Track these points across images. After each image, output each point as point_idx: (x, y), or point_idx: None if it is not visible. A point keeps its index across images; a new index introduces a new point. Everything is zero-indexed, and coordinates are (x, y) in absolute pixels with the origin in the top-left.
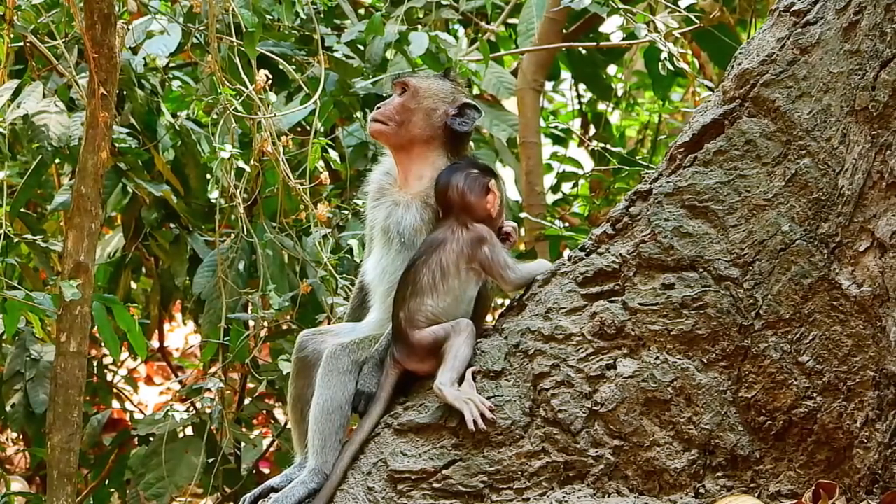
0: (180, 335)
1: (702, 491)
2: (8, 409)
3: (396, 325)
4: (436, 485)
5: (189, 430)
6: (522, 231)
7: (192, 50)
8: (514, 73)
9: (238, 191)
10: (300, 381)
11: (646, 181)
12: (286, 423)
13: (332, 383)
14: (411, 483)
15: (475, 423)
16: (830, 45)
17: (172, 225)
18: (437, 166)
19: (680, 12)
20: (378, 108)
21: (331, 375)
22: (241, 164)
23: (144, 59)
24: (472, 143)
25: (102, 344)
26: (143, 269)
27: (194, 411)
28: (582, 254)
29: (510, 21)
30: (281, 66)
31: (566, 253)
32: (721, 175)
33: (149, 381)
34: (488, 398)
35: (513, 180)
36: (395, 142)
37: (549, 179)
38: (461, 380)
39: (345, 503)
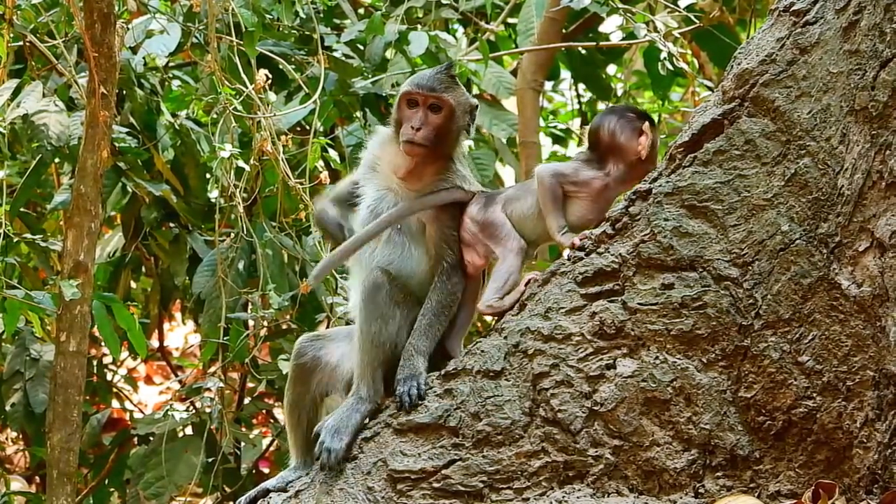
0: (180, 335)
1: (701, 491)
2: (8, 408)
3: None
4: (435, 484)
5: (189, 430)
6: None
7: (191, 49)
8: (514, 72)
9: (238, 190)
10: (299, 387)
11: (645, 181)
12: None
13: (377, 315)
14: (411, 483)
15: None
16: (830, 45)
17: (172, 224)
18: (440, 173)
19: (679, 12)
20: (414, 127)
21: (375, 307)
22: (240, 163)
23: (144, 58)
24: (471, 143)
25: (102, 343)
26: (143, 269)
27: (194, 411)
28: (581, 253)
29: (510, 21)
30: (281, 66)
31: (566, 253)
32: (720, 175)
33: (148, 380)
34: (488, 398)
35: (513, 180)
36: (425, 157)
37: None
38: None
39: (344, 503)
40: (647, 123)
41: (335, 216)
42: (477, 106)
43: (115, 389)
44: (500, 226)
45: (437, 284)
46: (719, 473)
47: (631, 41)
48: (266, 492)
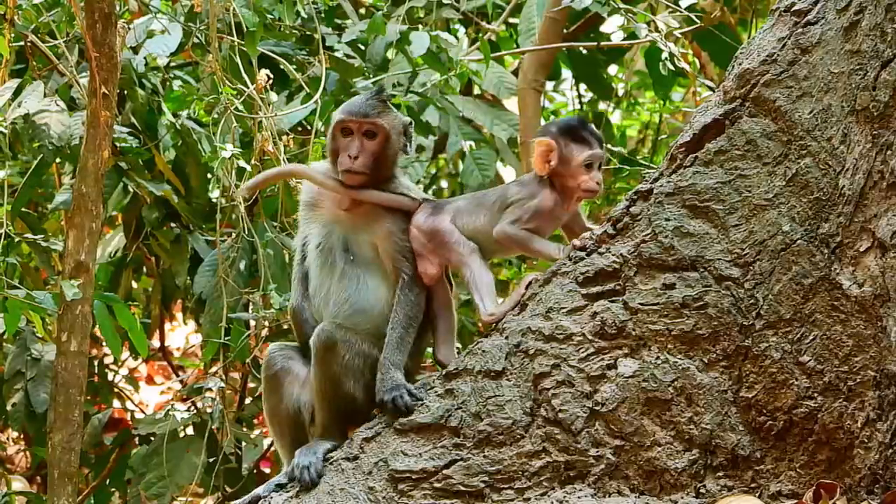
0: (181, 335)
1: (702, 491)
2: (9, 408)
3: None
4: (437, 484)
5: (190, 430)
6: None
7: (192, 49)
8: (515, 72)
9: (239, 190)
10: (274, 397)
11: (646, 181)
12: None
13: (330, 376)
14: (412, 483)
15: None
16: (831, 44)
17: (173, 224)
18: (384, 189)
19: (681, 12)
20: (351, 156)
21: (327, 368)
22: (241, 163)
23: (145, 58)
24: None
25: (103, 343)
26: (144, 269)
27: (195, 411)
28: (583, 253)
29: (511, 21)
30: (282, 66)
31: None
32: (722, 175)
33: (150, 380)
34: (489, 398)
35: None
36: (366, 184)
37: None
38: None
39: (346, 503)
40: (547, 137)
41: (310, 318)
42: (411, 123)
43: (116, 389)
44: (448, 233)
45: (400, 297)
46: (720, 473)
47: (632, 41)
48: (258, 498)
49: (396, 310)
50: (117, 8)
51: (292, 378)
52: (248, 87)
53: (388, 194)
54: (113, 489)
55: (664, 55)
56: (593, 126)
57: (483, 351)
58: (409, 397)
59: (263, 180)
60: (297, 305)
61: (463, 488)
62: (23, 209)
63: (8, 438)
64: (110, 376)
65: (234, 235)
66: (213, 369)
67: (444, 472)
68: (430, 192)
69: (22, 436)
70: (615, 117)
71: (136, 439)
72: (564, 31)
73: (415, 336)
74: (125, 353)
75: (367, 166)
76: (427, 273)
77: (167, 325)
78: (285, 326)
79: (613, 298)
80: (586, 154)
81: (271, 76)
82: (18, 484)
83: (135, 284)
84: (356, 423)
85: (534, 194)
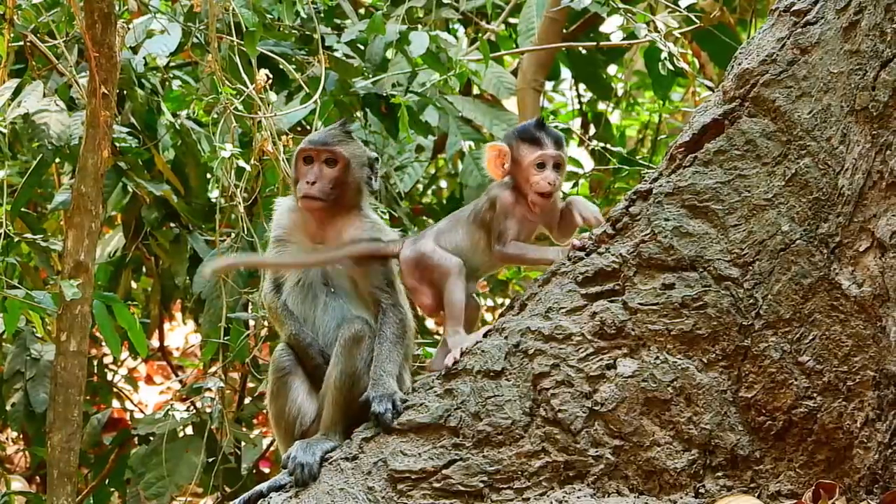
0: (180, 334)
1: (702, 491)
2: (8, 408)
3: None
4: (436, 484)
5: (189, 430)
6: None
7: (192, 49)
8: (515, 72)
9: (238, 190)
10: (281, 399)
11: (646, 181)
12: None
13: (352, 371)
14: (411, 482)
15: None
16: (830, 44)
17: (173, 224)
18: (355, 218)
19: (680, 12)
20: (310, 182)
21: (351, 362)
22: (241, 163)
23: (145, 58)
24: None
25: (103, 343)
26: (144, 269)
27: (194, 411)
28: (582, 253)
29: (510, 21)
30: (281, 66)
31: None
32: (721, 175)
33: (149, 380)
34: (488, 398)
35: None
36: (326, 212)
37: None
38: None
39: (345, 503)
40: (499, 142)
41: (317, 345)
42: (377, 158)
43: (115, 389)
44: (430, 254)
45: (383, 320)
46: (720, 473)
47: (631, 41)
48: (260, 494)
49: (383, 328)
50: (117, 8)
51: (300, 380)
52: (248, 87)
53: (363, 244)
54: (112, 489)
55: (663, 55)
56: (553, 128)
57: (482, 351)
58: (392, 412)
59: (228, 266)
60: (301, 333)
61: (462, 488)
62: (22, 209)
63: (7, 438)
64: (109, 376)
65: (233, 235)
66: (213, 369)
67: (444, 472)
68: (429, 191)
69: (21, 435)
70: (614, 117)
71: (136, 439)
72: (564, 30)
73: (403, 352)
74: (124, 353)
75: (325, 192)
76: (423, 304)
77: (166, 325)
78: None
79: (613, 298)
80: (537, 154)
81: (270, 76)
82: (18, 484)
83: (134, 284)
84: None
85: (494, 200)
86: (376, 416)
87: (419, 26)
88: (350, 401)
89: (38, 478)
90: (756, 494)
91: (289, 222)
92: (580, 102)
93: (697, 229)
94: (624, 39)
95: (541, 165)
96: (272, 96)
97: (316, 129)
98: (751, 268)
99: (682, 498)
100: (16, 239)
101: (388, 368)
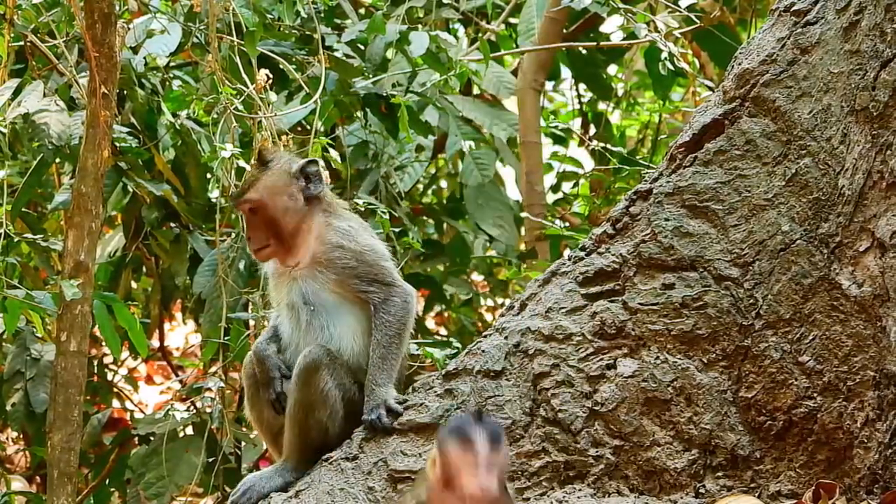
0: (181, 334)
1: (702, 491)
2: (8, 408)
3: None
4: None
5: (189, 430)
6: (523, 231)
7: (192, 49)
8: (515, 72)
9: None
10: (257, 405)
11: (646, 181)
12: None
13: (308, 402)
14: (412, 482)
15: None
16: (831, 45)
17: (173, 224)
18: (316, 231)
19: (680, 12)
20: (250, 238)
21: (307, 391)
22: (241, 163)
23: (145, 58)
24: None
25: (103, 343)
26: (144, 269)
27: (195, 411)
28: (582, 253)
29: (510, 21)
30: (281, 66)
31: (566, 252)
32: (721, 175)
33: (149, 380)
34: (488, 398)
35: (513, 180)
36: (285, 247)
37: (549, 179)
38: None
39: (345, 503)
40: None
41: (275, 358)
42: (310, 161)
43: (115, 389)
44: None
45: (376, 322)
46: (720, 473)
47: (632, 41)
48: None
49: (375, 335)
50: (117, 8)
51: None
52: (248, 87)
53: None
54: (112, 489)
55: (664, 55)
56: (491, 419)
57: (482, 351)
58: (388, 417)
59: None
60: (262, 343)
61: None
62: (22, 209)
63: (7, 438)
64: (110, 376)
65: (233, 235)
66: (213, 369)
67: None
68: (429, 191)
69: (21, 435)
70: (615, 117)
71: (136, 439)
72: (564, 30)
73: (403, 350)
74: (125, 353)
75: (262, 241)
76: None
77: (167, 325)
78: None
79: (613, 298)
80: (467, 454)
81: (271, 76)
82: (18, 484)
83: (134, 284)
84: (322, 454)
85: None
86: (367, 423)
87: (419, 26)
88: (306, 429)
89: (38, 478)
90: (756, 494)
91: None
92: (580, 102)
93: (697, 229)
94: (624, 39)
95: (470, 467)
96: (272, 96)
97: (316, 130)
98: (751, 268)
99: (682, 498)
100: (16, 239)
101: (380, 379)
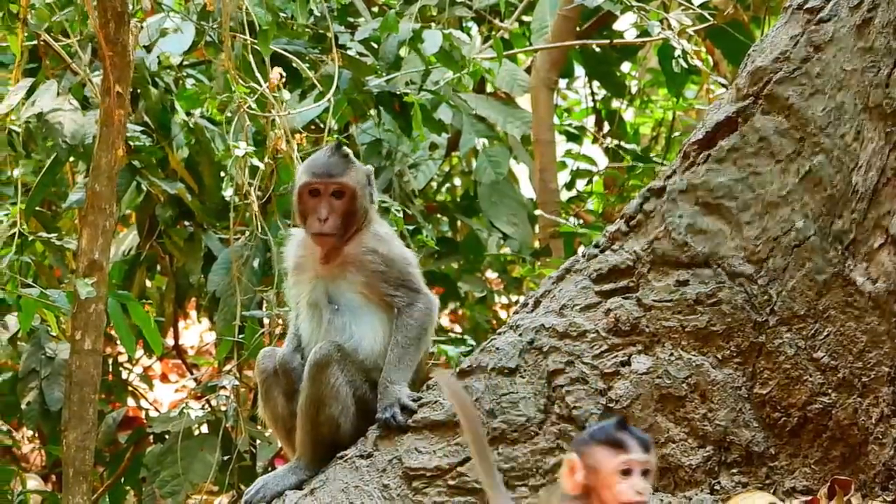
0: (195, 333)
1: (717, 487)
2: (23, 406)
3: None
4: (451, 482)
5: (204, 428)
6: (536, 228)
7: (205, 48)
8: (528, 70)
9: (252, 188)
10: (270, 403)
11: (660, 178)
12: None
13: (318, 397)
14: (426, 480)
15: None
16: (844, 42)
17: (187, 223)
18: (360, 240)
19: (693, 9)
20: (321, 219)
21: (317, 388)
22: (255, 161)
23: (158, 57)
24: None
25: (117, 342)
26: (158, 267)
27: (209, 409)
28: (596, 251)
29: (524, 18)
30: (295, 64)
31: (580, 250)
32: (735, 172)
33: (164, 378)
34: (503, 395)
35: (527, 177)
36: (344, 241)
37: (563, 177)
38: None
39: (360, 500)
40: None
41: (301, 370)
42: (373, 170)
43: (130, 388)
44: None
45: (397, 324)
46: (735, 470)
47: (645, 39)
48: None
49: (395, 336)
50: (130, 6)
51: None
52: (261, 86)
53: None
54: (127, 487)
55: (677, 53)
56: (635, 428)
57: (497, 348)
58: (402, 415)
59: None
60: (287, 355)
61: (477, 486)
62: (37, 208)
63: (23, 437)
64: (124, 374)
65: (247, 233)
66: (228, 367)
67: (458, 469)
68: (443, 189)
69: (37, 434)
70: (628, 115)
71: (151, 437)
72: (577, 28)
73: (421, 352)
74: (139, 352)
75: (337, 227)
76: None
77: (181, 324)
78: None
79: (627, 295)
80: (620, 459)
81: (284, 74)
82: (33, 482)
83: (148, 283)
84: (334, 452)
85: None
86: (381, 421)
87: (432, 24)
88: (317, 426)
89: (53, 476)
90: (771, 491)
91: (303, 252)
92: (594, 100)
93: (711, 226)
94: (637, 37)
95: (627, 472)
96: (285, 94)
97: (330, 128)
98: (765, 264)
99: (697, 494)
100: (30, 238)
101: (395, 377)
